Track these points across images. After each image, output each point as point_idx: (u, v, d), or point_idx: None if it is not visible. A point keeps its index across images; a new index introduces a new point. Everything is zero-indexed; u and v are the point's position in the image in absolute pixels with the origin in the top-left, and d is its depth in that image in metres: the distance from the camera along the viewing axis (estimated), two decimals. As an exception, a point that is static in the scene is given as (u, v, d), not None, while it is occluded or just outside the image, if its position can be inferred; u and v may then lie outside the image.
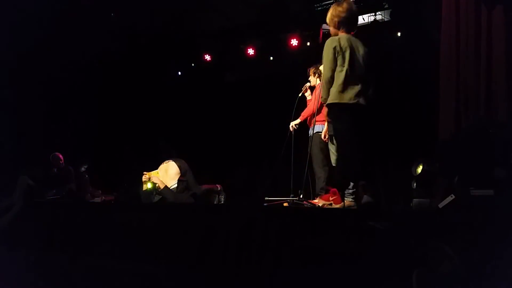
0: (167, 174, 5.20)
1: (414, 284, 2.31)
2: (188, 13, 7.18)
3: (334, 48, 3.24)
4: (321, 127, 4.75)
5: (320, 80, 4.82)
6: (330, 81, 3.29)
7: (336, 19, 3.39)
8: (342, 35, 3.35)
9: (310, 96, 5.07)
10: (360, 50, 3.34)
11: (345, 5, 3.37)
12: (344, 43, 3.25)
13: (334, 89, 3.25)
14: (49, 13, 6.42)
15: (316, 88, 4.81)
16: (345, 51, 3.23)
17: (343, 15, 3.35)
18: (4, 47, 6.43)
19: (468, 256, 2.33)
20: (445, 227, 2.58)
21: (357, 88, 3.19)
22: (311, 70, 5.06)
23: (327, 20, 3.46)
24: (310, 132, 4.85)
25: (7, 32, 6.41)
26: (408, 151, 5.44)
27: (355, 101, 3.19)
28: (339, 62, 3.23)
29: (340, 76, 3.21)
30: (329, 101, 3.30)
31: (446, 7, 3.93)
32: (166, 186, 4.85)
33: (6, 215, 3.69)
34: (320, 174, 4.75)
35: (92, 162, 7.66)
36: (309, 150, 4.63)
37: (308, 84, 5.08)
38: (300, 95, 5.08)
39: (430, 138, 4.11)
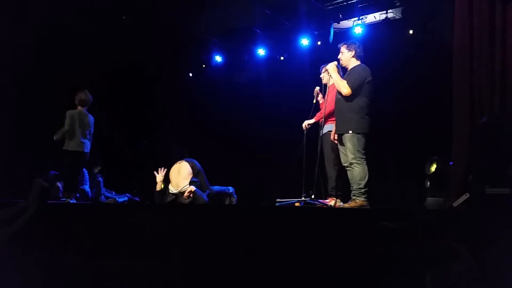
0: (180, 174, 5.23)
1: (428, 284, 2.29)
2: (198, 14, 7.20)
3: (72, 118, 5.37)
4: (331, 127, 4.72)
5: (330, 79, 4.78)
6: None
7: (78, 99, 5.52)
8: (79, 109, 5.50)
9: (322, 99, 5.03)
10: (85, 119, 5.49)
11: (84, 93, 5.56)
12: (77, 116, 5.40)
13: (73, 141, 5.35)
14: (57, 12, 6.49)
15: (329, 88, 4.79)
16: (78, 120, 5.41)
17: (83, 97, 5.51)
18: (12, 47, 6.52)
19: (483, 255, 2.30)
20: (460, 226, 2.55)
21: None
22: (324, 69, 5.03)
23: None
24: (320, 131, 4.82)
25: (14, 32, 6.50)
26: (421, 150, 5.38)
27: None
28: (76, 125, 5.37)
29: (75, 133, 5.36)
30: (72, 148, 5.35)
31: (459, 4, 3.88)
32: (196, 191, 4.92)
33: (21, 217, 3.73)
34: (331, 173, 4.72)
35: (105, 164, 7.72)
36: (319, 150, 4.61)
37: (317, 88, 5.04)
38: (314, 101, 5.04)
39: (444, 137, 4.06)
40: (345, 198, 4.57)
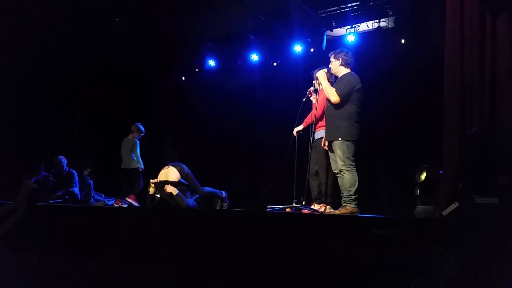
0: (167, 179, 5.21)
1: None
2: (192, 18, 7.21)
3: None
4: (322, 133, 4.74)
5: (320, 85, 4.83)
6: None
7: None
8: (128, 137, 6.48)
9: (315, 99, 5.04)
10: (129, 144, 6.66)
11: (134, 125, 6.70)
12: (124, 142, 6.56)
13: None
14: (53, 16, 6.47)
15: (318, 93, 4.80)
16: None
17: (132, 127, 6.63)
18: (5, 50, 6.48)
19: (472, 264, 2.32)
20: (449, 234, 2.57)
21: None
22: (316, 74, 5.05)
23: None
24: (311, 138, 4.80)
25: (7, 35, 6.46)
26: (412, 158, 5.42)
27: None
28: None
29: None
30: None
31: (451, 14, 3.93)
32: (178, 194, 4.88)
33: (10, 219, 3.69)
34: (323, 180, 4.72)
35: (95, 166, 7.67)
36: (310, 156, 4.61)
37: (312, 88, 5.06)
38: (304, 99, 5.05)
39: (434, 145, 4.10)
40: (337, 204, 4.59)
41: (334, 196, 4.66)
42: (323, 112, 4.65)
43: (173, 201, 4.86)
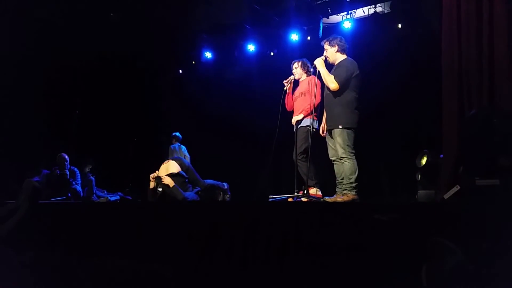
0: (168, 173, 5.22)
1: (423, 279, 2.31)
2: (188, 10, 7.17)
3: None
4: (306, 121, 4.78)
5: (306, 75, 4.98)
6: None
7: None
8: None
9: (289, 90, 5.12)
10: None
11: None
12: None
13: None
14: (50, 11, 6.44)
15: (309, 83, 4.86)
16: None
17: None
18: (4, 48, 6.46)
19: (476, 247, 2.32)
20: (451, 218, 2.57)
21: None
22: (299, 64, 5.09)
23: None
24: (309, 124, 4.78)
25: (6, 33, 6.43)
26: (412, 143, 5.42)
27: None
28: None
29: None
30: None
31: (447, -3, 3.91)
32: (175, 186, 4.87)
33: (12, 218, 3.70)
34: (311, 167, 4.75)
35: (97, 163, 7.68)
36: (309, 145, 4.61)
37: (292, 77, 5.08)
38: (285, 88, 5.10)
39: (434, 129, 4.10)
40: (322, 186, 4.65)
41: (316, 178, 4.70)
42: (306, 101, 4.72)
43: (170, 193, 4.87)
